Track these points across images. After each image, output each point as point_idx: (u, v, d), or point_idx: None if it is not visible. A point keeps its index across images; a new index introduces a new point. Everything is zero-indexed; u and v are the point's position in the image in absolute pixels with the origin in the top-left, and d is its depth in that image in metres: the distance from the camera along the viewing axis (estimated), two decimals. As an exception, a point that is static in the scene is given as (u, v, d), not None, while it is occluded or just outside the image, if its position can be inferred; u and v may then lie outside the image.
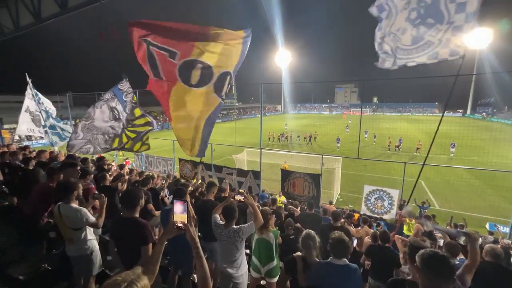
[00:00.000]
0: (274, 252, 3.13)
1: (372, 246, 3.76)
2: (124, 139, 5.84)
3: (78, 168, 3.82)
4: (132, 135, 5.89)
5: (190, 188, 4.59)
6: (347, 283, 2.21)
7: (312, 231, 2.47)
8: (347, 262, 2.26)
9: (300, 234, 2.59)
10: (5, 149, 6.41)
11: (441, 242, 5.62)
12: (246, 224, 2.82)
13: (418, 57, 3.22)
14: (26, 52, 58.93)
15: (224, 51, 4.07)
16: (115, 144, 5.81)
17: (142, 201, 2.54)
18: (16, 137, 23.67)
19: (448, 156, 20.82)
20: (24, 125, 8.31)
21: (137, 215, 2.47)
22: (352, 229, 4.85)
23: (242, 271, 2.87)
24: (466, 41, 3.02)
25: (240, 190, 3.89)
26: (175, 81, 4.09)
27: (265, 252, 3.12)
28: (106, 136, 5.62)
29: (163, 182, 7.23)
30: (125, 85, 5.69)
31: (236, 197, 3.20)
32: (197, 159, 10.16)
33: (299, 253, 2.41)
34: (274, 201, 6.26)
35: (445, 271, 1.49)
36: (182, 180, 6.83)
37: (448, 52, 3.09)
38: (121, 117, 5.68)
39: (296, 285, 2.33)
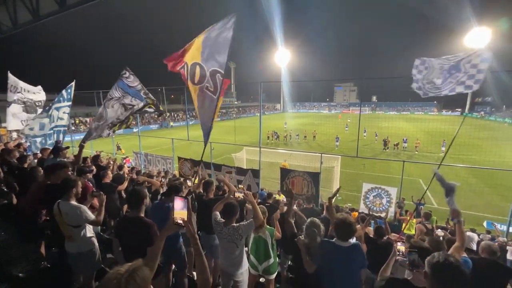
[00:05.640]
0: (271, 249, 3.13)
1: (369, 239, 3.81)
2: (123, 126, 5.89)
3: (70, 168, 3.77)
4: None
5: (189, 184, 4.57)
6: (353, 263, 2.24)
7: (317, 219, 2.45)
8: (352, 242, 2.26)
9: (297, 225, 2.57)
10: (3, 147, 6.38)
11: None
12: (246, 222, 2.81)
13: (441, 92, 4.53)
14: (24, 49, 58.51)
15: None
16: (117, 128, 5.85)
17: (147, 201, 2.55)
18: (14, 135, 23.40)
19: (439, 154, 20.96)
20: (16, 119, 7.87)
21: (142, 214, 2.46)
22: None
23: (242, 270, 2.85)
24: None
25: (240, 186, 3.87)
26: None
27: (262, 250, 3.12)
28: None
29: (163, 181, 7.23)
30: (132, 79, 5.60)
31: (236, 194, 3.19)
32: (197, 158, 10.22)
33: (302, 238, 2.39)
34: (269, 195, 6.07)
35: (457, 281, 1.36)
36: (181, 179, 6.82)
37: (462, 88, 4.29)
38: (135, 108, 5.69)
39: (299, 271, 2.31)
